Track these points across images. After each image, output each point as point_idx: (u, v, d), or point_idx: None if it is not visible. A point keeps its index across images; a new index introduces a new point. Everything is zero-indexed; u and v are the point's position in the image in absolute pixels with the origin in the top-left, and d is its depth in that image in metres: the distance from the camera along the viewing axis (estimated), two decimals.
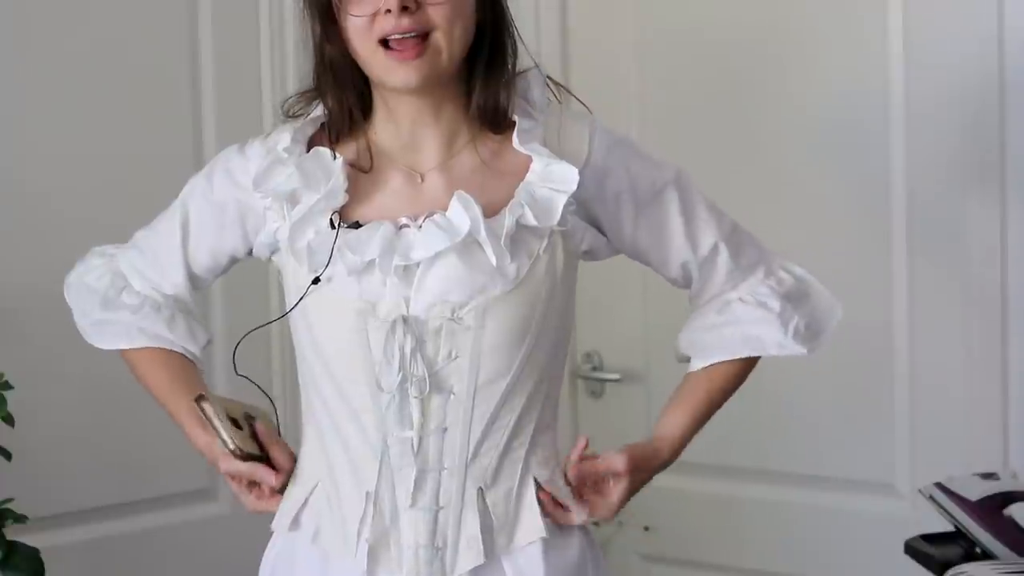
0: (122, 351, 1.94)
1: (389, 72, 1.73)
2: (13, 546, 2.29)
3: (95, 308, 1.94)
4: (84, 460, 2.71)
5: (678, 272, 1.89)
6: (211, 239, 1.90)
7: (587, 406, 3.14)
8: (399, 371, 1.73)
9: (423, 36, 1.71)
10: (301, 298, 1.77)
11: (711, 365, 1.89)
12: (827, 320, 1.92)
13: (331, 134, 1.81)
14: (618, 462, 1.80)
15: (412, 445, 1.75)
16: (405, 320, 1.72)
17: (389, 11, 1.69)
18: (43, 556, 2.31)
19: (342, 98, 1.79)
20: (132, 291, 1.93)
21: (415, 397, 1.74)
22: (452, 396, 1.75)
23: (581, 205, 1.80)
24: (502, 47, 1.79)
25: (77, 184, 2.74)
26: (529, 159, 1.78)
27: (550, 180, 1.76)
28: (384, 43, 1.72)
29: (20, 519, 2.29)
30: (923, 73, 2.65)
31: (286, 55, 2.98)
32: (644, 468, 1.83)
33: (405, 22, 1.70)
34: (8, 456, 2.32)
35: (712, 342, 1.88)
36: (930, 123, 2.65)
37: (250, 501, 1.86)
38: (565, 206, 1.76)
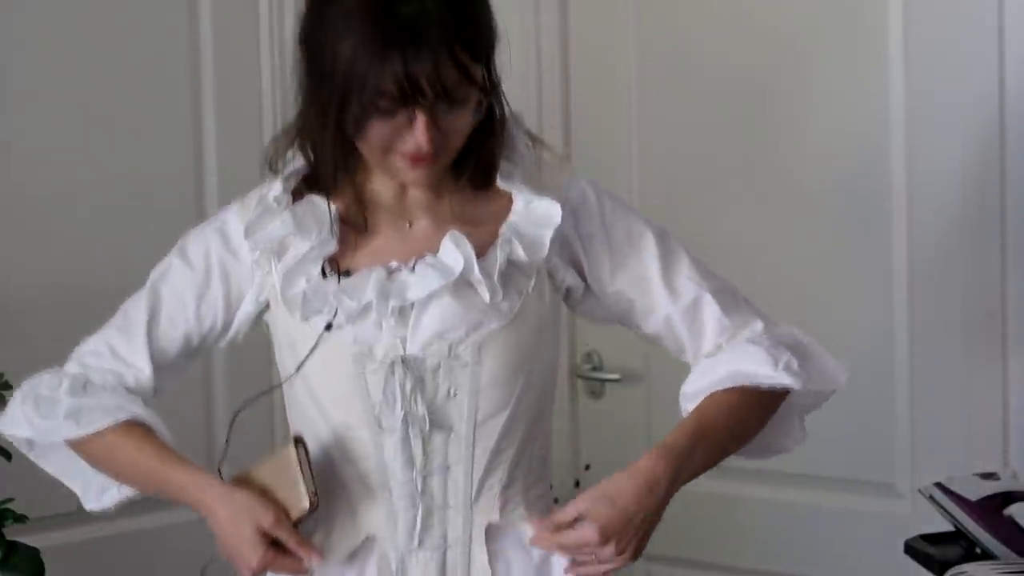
0: (82, 440, 1.80)
1: (398, 174, 1.74)
2: (13, 546, 2.29)
3: (62, 401, 1.80)
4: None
5: (660, 326, 1.84)
6: (189, 312, 1.84)
7: (587, 406, 3.14)
8: (401, 411, 1.73)
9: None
10: (313, 349, 1.75)
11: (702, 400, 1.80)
12: (824, 380, 1.84)
13: (319, 183, 1.80)
14: (570, 506, 1.72)
15: (416, 486, 1.76)
16: (403, 360, 1.73)
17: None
18: (43, 556, 2.31)
19: (332, 159, 1.76)
20: (94, 384, 1.83)
21: (416, 437, 1.74)
22: (453, 434, 1.75)
23: (563, 245, 1.81)
24: (496, 120, 1.78)
25: (77, 184, 2.75)
26: (510, 200, 1.79)
27: (533, 217, 1.78)
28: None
29: (20, 519, 2.29)
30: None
31: (286, 55, 2.97)
32: (617, 487, 1.71)
33: (427, 148, 1.68)
34: (8, 456, 2.32)
35: (702, 385, 1.81)
36: (931, 127, 2.65)
37: (263, 558, 1.70)
38: (551, 241, 1.77)
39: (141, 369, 1.83)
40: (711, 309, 1.82)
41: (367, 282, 1.74)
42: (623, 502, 1.70)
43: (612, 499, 1.70)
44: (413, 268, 1.75)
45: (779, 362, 1.77)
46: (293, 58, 1.75)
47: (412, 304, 1.73)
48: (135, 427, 1.80)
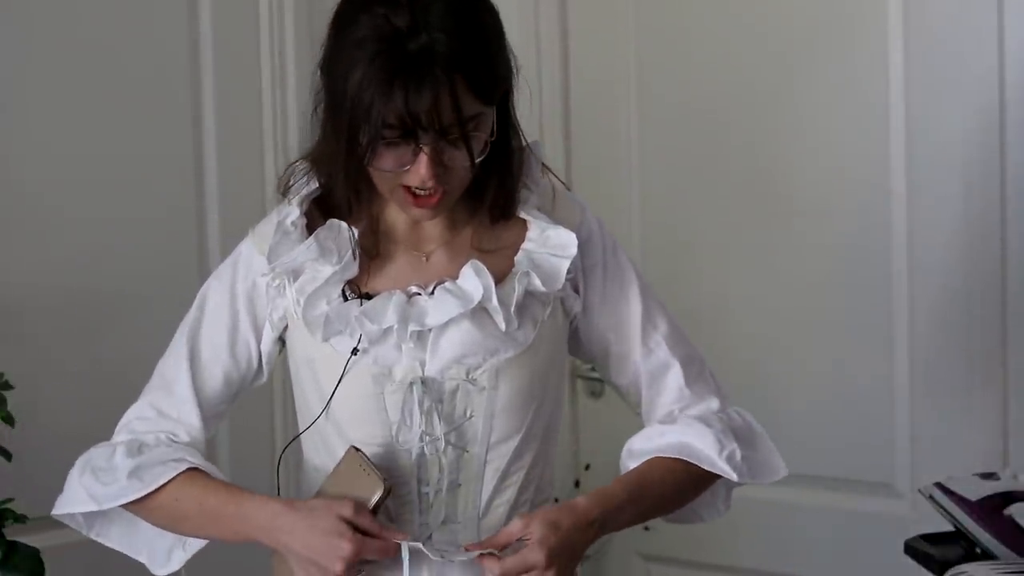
0: (146, 499, 1.81)
1: (406, 208, 1.76)
2: (13, 546, 2.28)
3: (121, 465, 1.82)
4: None
5: (630, 376, 1.89)
6: (225, 354, 1.86)
7: (587, 406, 3.14)
8: (418, 429, 1.76)
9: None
10: (343, 375, 1.77)
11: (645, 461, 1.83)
12: (764, 473, 1.88)
13: (333, 208, 1.82)
14: (514, 525, 1.73)
15: (428, 501, 1.79)
16: (423, 381, 1.76)
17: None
18: (43, 556, 2.31)
19: (345, 185, 1.79)
20: (148, 445, 1.85)
21: (432, 455, 1.78)
22: (466, 454, 1.79)
23: (573, 273, 1.84)
24: (512, 152, 1.80)
25: (77, 184, 2.74)
26: (524, 227, 1.82)
27: (548, 246, 1.81)
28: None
29: (20, 519, 2.29)
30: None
31: (286, 55, 2.98)
32: (560, 516, 1.72)
33: (431, 184, 1.70)
34: (8, 456, 2.32)
35: (648, 448, 1.84)
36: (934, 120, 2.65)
37: (353, 542, 1.69)
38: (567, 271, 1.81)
39: (191, 424, 1.86)
40: (675, 375, 1.87)
41: (387, 306, 1.76)
42: (566, 531, 1.71)
43: (556, 526, 1.71)
44: (432, 292, 1.78)
45: (724, 450, 1.81)
46: (312, 82, 1.76)
47: (430, 328, 1.76)
48: (196, 474, 1.81)
